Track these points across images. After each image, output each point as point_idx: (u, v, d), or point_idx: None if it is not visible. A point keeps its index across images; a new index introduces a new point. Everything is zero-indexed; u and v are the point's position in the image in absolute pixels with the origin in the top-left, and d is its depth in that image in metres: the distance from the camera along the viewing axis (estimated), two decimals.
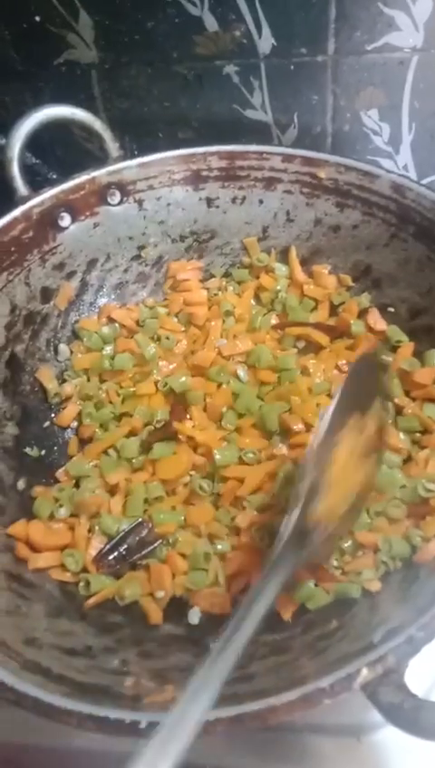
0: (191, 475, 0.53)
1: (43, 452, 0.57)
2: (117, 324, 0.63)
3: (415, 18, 0.61)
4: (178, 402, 0.56)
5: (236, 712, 0.33)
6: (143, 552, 0.49)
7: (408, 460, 0.51)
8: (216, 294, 0.65)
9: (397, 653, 0.33)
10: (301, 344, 0.61)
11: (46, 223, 0.59)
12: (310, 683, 0.33)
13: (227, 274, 0.67)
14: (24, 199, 0.58)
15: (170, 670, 0.41)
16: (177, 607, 0.47)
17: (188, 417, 0.55)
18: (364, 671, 0.33)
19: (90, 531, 0.50)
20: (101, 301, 0.64)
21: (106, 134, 0.62)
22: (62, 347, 0.61)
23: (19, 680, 0.36)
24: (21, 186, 0.58)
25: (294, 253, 0.64)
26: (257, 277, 0.65)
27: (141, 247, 0.65)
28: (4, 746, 0.32)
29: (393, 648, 0.33)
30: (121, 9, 0.64)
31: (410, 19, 0.61)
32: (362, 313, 0.60)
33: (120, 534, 0.49)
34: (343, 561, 0.46)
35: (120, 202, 0.63)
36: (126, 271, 0.65)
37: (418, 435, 0.52)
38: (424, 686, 0.43)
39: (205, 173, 0.64)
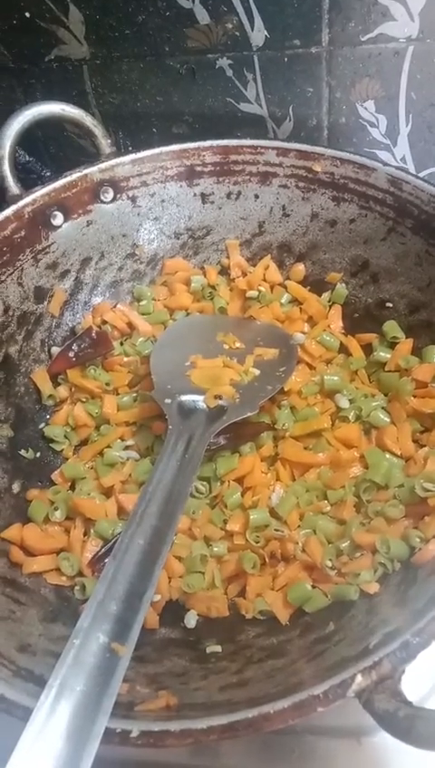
0: None
1: (38, 454, 0.56)
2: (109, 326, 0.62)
3: (410, 7, 0.59)
4: None
5: (229, 720, 0.32)
6: None
7: (407, 459, 0.50)
8: (211, 292, 0.64)
9: (392, 659, 0.32)
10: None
11: (39, 222, 0.58)
12: (304, 690, 0.33)
13: (222, 272, 0.66)
14: (16, 198, 0.57)
15: (166, 675, 0.41)
16: (173, 610, 0.47)
17: None
18: (359, 678, 0.32)
19: (85, 534, 0.50)
20: (96, 300, 0.64)
21: (97, 130, 0.61)
22: (57, 349, 0.60)
23: (11, 688, 0.35)
24: (12, 184, 0.58)
25: (270, 260, 0.64)
26: (233, 280, 0.65)
27: (136, 245, 0.64)
28: None
29: (389, 653, 0.32)
30: (111, 3, 0.63)
31: (404, 8, 0.59)
32: None
33: (116, 537, 0.48)
34: (341, 562, 0.45)
35: (114, 199, 0.62)
36: (120, 269, 0.65)
37: (417, 433, 0.52)
38: (421, 693, 0.43)
39: (199, 168, 0.63)
